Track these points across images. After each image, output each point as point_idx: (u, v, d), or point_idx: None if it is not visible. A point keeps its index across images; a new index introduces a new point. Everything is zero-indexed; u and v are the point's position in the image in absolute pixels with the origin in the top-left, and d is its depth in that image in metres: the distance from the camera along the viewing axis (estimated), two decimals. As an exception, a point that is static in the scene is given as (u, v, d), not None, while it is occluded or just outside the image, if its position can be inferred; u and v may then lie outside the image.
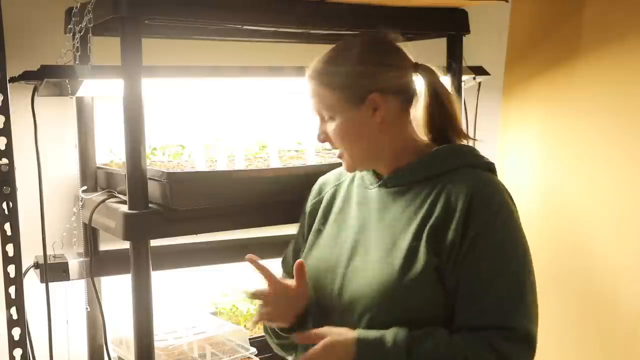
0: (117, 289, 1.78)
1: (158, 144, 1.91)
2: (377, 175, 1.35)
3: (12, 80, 1.52)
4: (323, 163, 1.77)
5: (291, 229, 1.56)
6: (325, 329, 1.24)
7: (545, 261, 2.29)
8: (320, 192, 1.47)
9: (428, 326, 1.20)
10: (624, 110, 2.11)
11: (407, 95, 1.31)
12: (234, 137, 1.94)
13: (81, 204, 1.77)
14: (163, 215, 1.50)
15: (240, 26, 1.67)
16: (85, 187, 1.81)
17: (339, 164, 1.40)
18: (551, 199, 2.37)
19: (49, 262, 1.66)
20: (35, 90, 1.57)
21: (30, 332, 1.62)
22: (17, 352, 1.57)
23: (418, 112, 1.32)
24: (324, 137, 1.33)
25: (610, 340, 2.17)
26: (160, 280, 1.63)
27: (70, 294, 1.75)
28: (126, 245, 1.48)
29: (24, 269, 1.59)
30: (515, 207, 1.28)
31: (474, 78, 2.19)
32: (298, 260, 1.32)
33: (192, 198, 1.52)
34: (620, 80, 2.12)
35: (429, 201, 1.24)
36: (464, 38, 1.93)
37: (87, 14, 1.52)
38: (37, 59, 1.55)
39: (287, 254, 1.52)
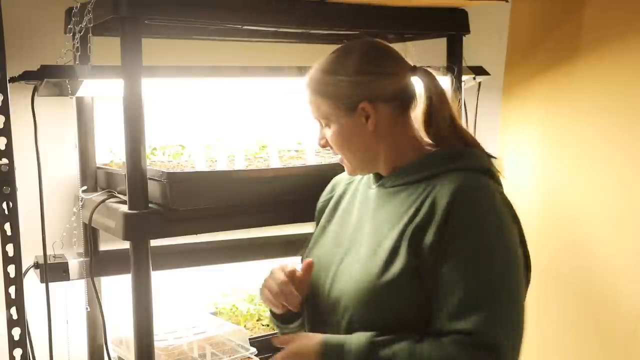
0: (117, 289, 1.78)
1: (158, 144, 1.91)
2: (380, 175, 1.36)
3: (12, 80, 1.52)
4: (323, 163, 1.77)
5: (291, 229, 1.56)
6: (292, 335, 1.28)
7: (545, 261, 2.29)
8: (332, 190, 1.48)
9: (408, 328, 1.19)
10: (624, 110, 2.10)
11: (403, 101, 1.30)
12: (234, 137, 1.94)
13: (81, 204, 1.77)
14: (163, 215, 1.50)
15: (240, 26, 1.68)
16: (85, 187, 1.81)
17: (339, 164, 1.40)
18: (551, 199, 2.37)
19: (49, 262, 1.66)
20: (35, 90, 1.56)
21: (30, 332, 1.62)
22: (17, 352, 1.57)
23: (417, 115, 1.32)
24: (324, 142, 1.35)
25: (610, 340, 2.17)
26: (160, 280, 1.63)
27: (70, 294, 1.75)
28: (126, 245, 1.48)
29: (24, 269, 1.59)
30: (512, 211, 1.25)
31: (474, 78, 2.19)
32: (306, 260, 1.33)
33: (192, 198, 1.52)
34: (620, 80, 2.12)
35: (417, 202, 1.24)
36: (464, 38, 1.93)
37: (87, 14, 1.52)
38: (37, 59, 1.55)
39: (304, 252, 1.52)
